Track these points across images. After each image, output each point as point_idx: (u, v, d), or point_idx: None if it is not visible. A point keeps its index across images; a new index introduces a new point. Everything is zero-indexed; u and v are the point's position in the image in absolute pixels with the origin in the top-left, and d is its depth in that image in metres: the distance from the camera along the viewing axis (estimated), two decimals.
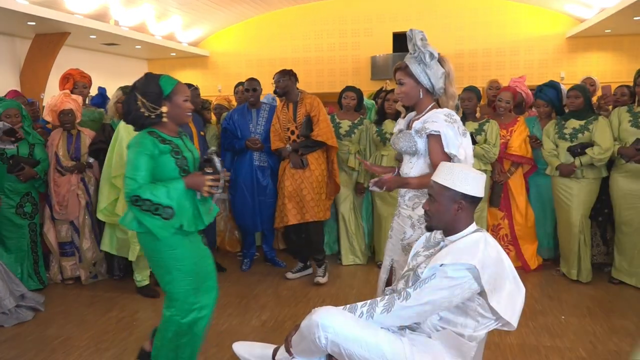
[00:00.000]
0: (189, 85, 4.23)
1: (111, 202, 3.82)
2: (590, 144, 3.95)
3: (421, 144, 2.46)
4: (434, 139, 2.40)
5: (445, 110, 2.45)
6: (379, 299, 1.95)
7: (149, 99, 2.36)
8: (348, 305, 1.99)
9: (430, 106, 2.51)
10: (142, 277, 3.96)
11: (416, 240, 2.45)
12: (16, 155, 3.83)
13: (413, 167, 2.52)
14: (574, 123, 4.07)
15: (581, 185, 4.03)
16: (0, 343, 3.14)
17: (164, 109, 2.38)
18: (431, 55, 2.44)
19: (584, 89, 4.11)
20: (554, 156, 4.13)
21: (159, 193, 2.27)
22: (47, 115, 4.18)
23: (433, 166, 2.41)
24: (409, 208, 2.52)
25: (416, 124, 2.47)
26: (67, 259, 4.23)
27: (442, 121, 2.38)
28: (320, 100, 4.21)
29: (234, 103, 5.74)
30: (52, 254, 4.25)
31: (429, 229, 2.05)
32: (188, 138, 2.59)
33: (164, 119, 2.39)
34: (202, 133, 4.33)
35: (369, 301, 1.95)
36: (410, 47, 2.51)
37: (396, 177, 2.50)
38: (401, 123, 2.70)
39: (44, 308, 3.61)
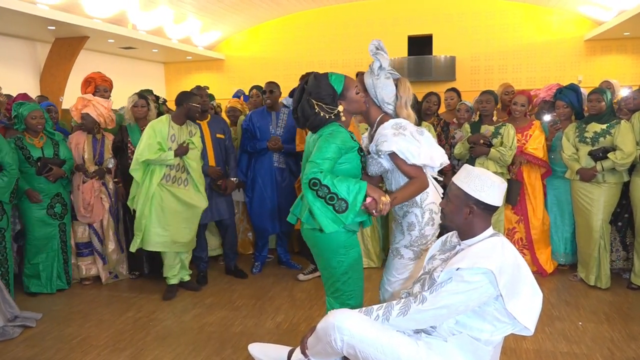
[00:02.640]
0: (198, 87, 4.29)
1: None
2: (612, 147, 3.89)
3: (386, 162, 2.45)
4: (394, 157, 2.39)
5: (391, 121, 2.43)
6: (394, 302, 1.95)
7: (325, 101, 2.37)
8: (364, 308, 1.99)
9: (378, 118, 2.51)
10: (171, 275, 4.02)
11: (405, 247, 2.49)
12: (43, 157, 3.91)
13: (392, 183, 2.55)
14: (595, 127, 4.02)
15: (602, 189, 3.98)
16: (19, 342, 3.20)
17: (341, 107, 2.39)
18: (380, 66, 2.44)
19: (606, 92, 4.05)
20: (574, 160, 4.08)
21: (340, 184, 2.24)
22: (73, 112, 4.30)
23: (407, 177, 2.43)
24: (400, 216, 2.56)
25: (371, 147, 2.46)
26: (84, 258, 4.31)
27: (391, 136, 2.35)
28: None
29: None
30: (72, 253, 4.33)
31: (443, 227, 2.07)
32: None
33: (342, 117, 2.42)
34: (218, 135, 4.31)
35: (384, 304, 1.96)
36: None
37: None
38: (364, 140, 2.70)
39: (35, 324, 3.46)
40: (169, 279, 4.04)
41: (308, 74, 4.22)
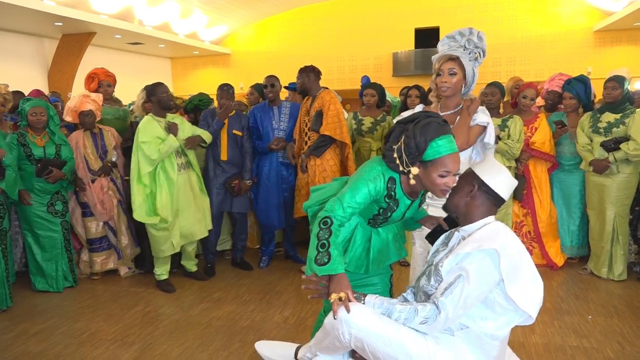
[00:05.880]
0: (224, 85, 4.26)
1: (144, 200, 3.86)
2: (625, 138, 3.84)
3: None
4: (479, 129, 2.58)
5: (482, 107, 2.64)
6: (419, 306, 1.88)
7: (408, 151, 2.00)
8: (384, 307, 1.93)
9: (462, 104, 2.61)
10: (161, 272, 4.06)
11: None
12: (44, 159, 3.90)
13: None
14: (609, 116, 3.96)
15: (616, 181, 3.93)
16: (29, 336, 3.23)
17: (415, 170, 2.02)
18: (484, 53, 2.59)
19: (623, 80, 3.97)
20: (587, 151, 4.02)
21: (335, 241, 1.99)
22: (67, 116, 4.27)
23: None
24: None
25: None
26: (98, 254, 4.32)
27: (487, 115, 2.59)
28: (333, 95, 4.18)
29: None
30: (83, 249, 4.36)
31: (444, 208, 2.07)
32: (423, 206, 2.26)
33: (411, 181, 2.05)
34: (235, 131, 4.29)
35: (408, 308, 1.91)
36: (453, 42, 2.62)
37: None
38: None
39: None
40: (161, 275, 4.06)
41: (307, 67, 4.23)
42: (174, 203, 3.87)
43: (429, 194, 2.62)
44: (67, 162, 4.01)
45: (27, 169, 3.89)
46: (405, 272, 4.36)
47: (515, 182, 1.97)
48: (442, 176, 1.97)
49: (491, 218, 1.97)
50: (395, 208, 2.14)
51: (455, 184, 2.00)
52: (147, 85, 4.07)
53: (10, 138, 3.82)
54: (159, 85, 3.94)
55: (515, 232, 4.39)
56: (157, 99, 3.88)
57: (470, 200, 1.94)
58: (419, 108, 2.76)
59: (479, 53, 2.56)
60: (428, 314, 1.85)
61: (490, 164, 1.97)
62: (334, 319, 1.90)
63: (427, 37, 13.90)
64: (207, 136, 4.13)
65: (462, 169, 2.08)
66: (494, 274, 1.82)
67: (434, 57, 2.66)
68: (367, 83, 6.08)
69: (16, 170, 3.69)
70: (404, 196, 2.13)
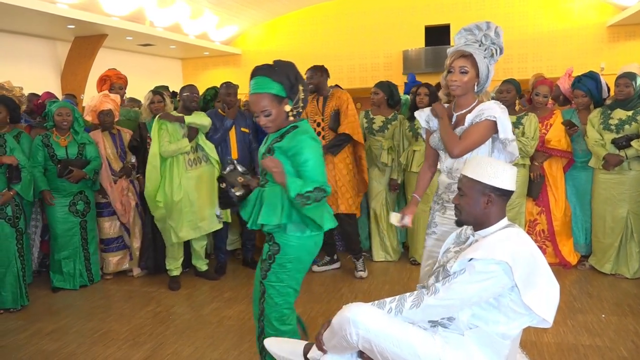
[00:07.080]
0: (229, 82, 4.34)
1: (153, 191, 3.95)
2: (637, 135, 3.79)
3: None
4: (487, 124, 2.38)
5: (493, 101, 2.47)
6: (407, 294, 1.92)
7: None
8: (376, 302, 1.97)
9: (475, 102, 2.49)
10: (169, 267, 4.13)
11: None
12: (65, 159, 3.95)
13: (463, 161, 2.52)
14: (620, 113, 3.90)
15: (627, 178, 3.88)
16: (43, 336, 3.27)
17: (287, 107, 2.35)
18: (502, 50, 2.46)
19: (634, 77, 3.92)
20: (600, 146, 3.95)
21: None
22: (87, 115, 4.32)
23: (465, 140, 2.41)
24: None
25: (469, 117, 2.44)
26: (114, 254, 4.37)
27: (497, 108, 2.39)
28: (349, 96, 4.22)
29: None
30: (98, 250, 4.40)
31: (459, 223, 2.02)
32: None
33: (290, 118, 2.44)
34: (243, 129, 4.34)
35: (397, 297, 1.93)
36: (470, 36, 2.48)
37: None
38: (427, 120, 2.65)
39: None
40: (172, 271, 4.13)
41: (320, 67, 4.24)
42: (171, 194, 3.90)
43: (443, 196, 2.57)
44: (91, 162, 4.06)
45: (52, 169, 3.97)
46: (416, 270, 4.34)
47: (515, 167, 1.94)
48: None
49: (505, 221, 1.94)
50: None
51: (463, 201, 1.96)
52: (152, 88, 4.13)
53: (37, 139, 3.93)
54: (187, 87, 4.14)
55: (528, 231, 4.37)
56: (182, 98, 4.08)
57: (489, 207, 1.90)
58: (427, 111, 2.71)
59: (496, 50, 2.44)
60: (416, 297, 1.86)
61: (485, 165, 1.89)
62: None
63: (437, 35, 13.81)
64: (207, 121, 4.10)
65: None
66: (502, 281, 1.77)
67: (449, 51, 2.53)
68: (412, 80, 6.06)
69: (32, 172, 3.74)
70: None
